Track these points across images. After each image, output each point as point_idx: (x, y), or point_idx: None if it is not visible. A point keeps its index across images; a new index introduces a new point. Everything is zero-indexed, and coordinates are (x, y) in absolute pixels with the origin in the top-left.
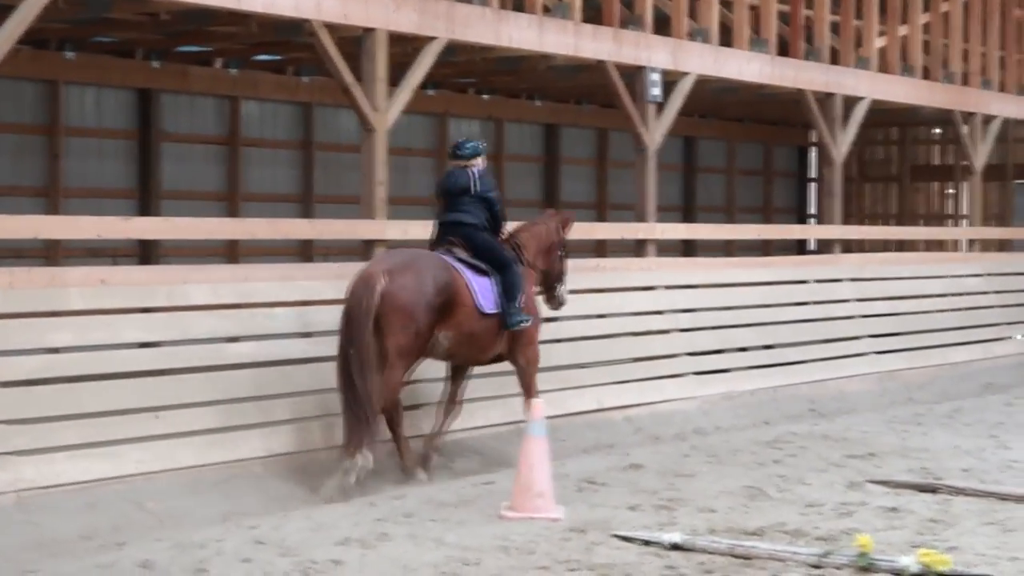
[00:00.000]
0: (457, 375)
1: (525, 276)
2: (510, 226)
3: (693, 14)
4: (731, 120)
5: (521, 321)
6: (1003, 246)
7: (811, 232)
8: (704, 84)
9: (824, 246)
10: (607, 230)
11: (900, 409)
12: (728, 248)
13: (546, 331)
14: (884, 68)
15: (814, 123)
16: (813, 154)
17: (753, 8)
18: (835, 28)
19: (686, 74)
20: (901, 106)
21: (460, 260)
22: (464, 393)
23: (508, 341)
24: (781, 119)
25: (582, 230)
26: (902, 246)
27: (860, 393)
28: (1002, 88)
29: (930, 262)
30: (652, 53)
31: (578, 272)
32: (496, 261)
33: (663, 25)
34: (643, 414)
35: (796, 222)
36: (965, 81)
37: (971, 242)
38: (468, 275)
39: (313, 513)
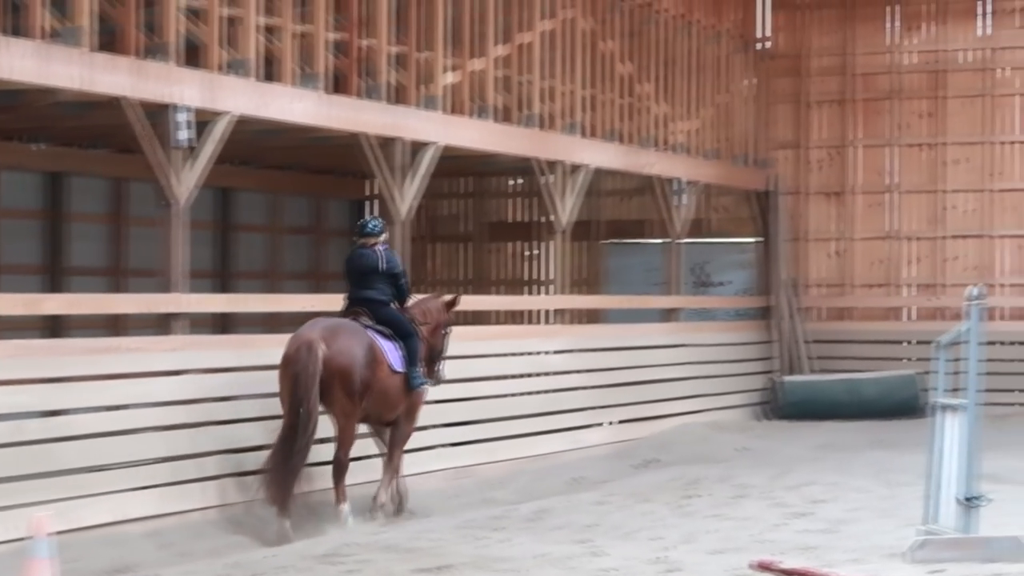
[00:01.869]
0: (379, 435)
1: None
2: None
3: (229, 42)
4: (276, 169)
5: (423, 382)
6: (592, 317)
7: None
8: (244, 126)
9: None
10: (126, 302)
11: (476, 511)
12: (271, 322)
13: (51, 428)
14: (455, 109)
15: (373, 172)
16: (372, 209)
17: (301, 36)
18: (399, 61)
19: (222, 114)
20: (475, 153)
21: (367, 326)
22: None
23: (403, 405)
24: (335, 168)
25: (93, 303)
26: (477, 318)
27: (431, 493)
28: (590, 133)
29: (509, 337)
30: (181, 88)
31: (89, 354)
32: (400, 330)
33: (194, 55)
34: (171, 526)
35: None
36: (548, 124)
37: (556, 312)
38: (378, 338)
39: None
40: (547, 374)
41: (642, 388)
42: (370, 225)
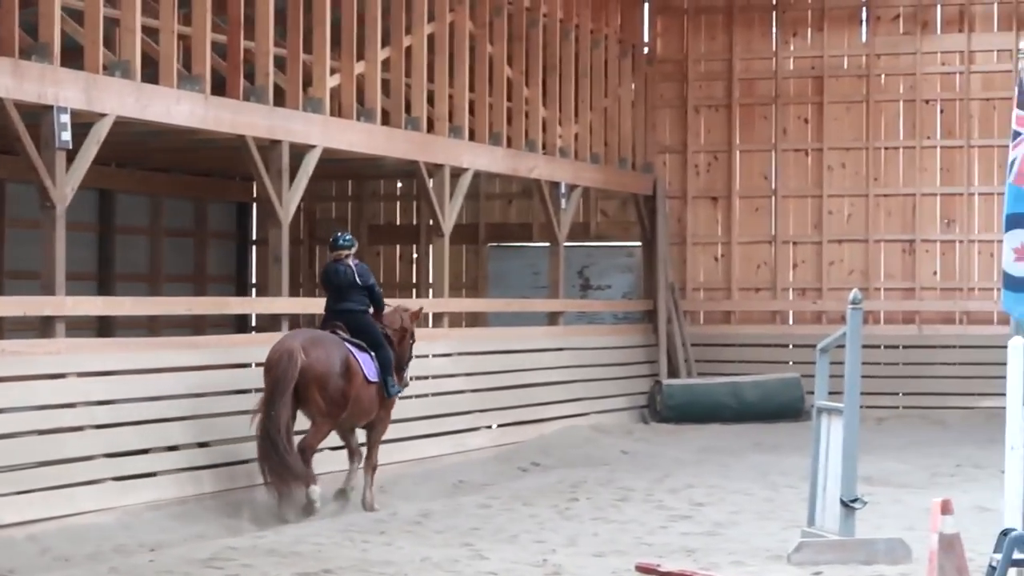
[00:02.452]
0: (345, 436)
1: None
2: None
3: (110, 43)
4: (158, 171)
5: (398, 390)
6: (475, 320)
7: (252, 305)
8: (125, 127)
9: (268, 322)
10: (5, 305)
11: (359, 515)
12: (154, 325)
13: None
14: (338, 111)
15: (256, 175)
16: (255, 212)
17: (183, 38)
18: (281, 63)
19: (103, 115)
20: (358, 156)
21: (344, 339)
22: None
23: (377, 412)
24: (218, 170)
25: None
26: None
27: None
28: (473, 136)
29: None
30: (61, 90)
31: None
32: (373, 341)
33: (75, 56)
34: (51, 530)
35: (235, 292)
36: (431, 128)
37: (438, 316)
38: (354, 351)
39: None
40: (429, 377)
41: (525, 391)
42: (342, 240)
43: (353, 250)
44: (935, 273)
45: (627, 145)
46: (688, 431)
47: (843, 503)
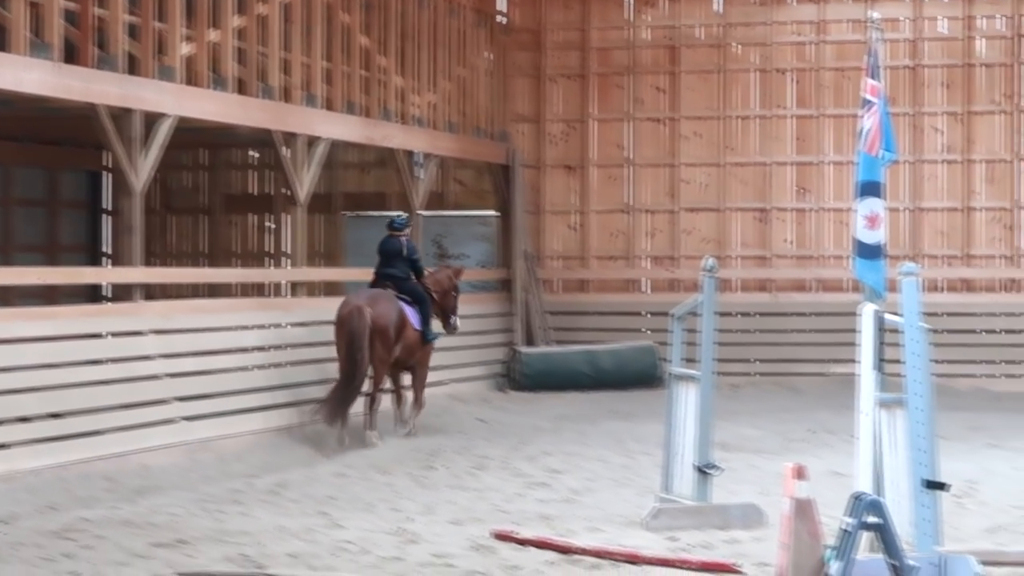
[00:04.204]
0: (394, 377)
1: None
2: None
3: None
4: (7, 140)
5: (435, 337)
6: (331, 289)
7: (105, 275)
8: None
9: (122, 292)
10: None
11: (215, 485)
12: (5, 296)
13: None
14: (192, 80)
15: (108, 144)
16: (108, 181)
17: (33, 5)
18: (133, 31)
19: None
20: (213, 125)
21: (396, 295)
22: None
23: (419, 354)
24: (69, 139)
25: None
26: (214, 290)
27: (167, 468)
28: (328, 105)
29: (247, 309)
30: None
31: None
32: (417, 298)
33: None
34: None
35: (87, 262)
36: (286, 97)
37: (294, 285)
38: (404, 305)
39: None
40: (286, 347)
41: None
42: (397, 221)
43: (406, 231)
44: (788, 241)
45: (483, 114)
46: (545, 399)
47: (698, 469)
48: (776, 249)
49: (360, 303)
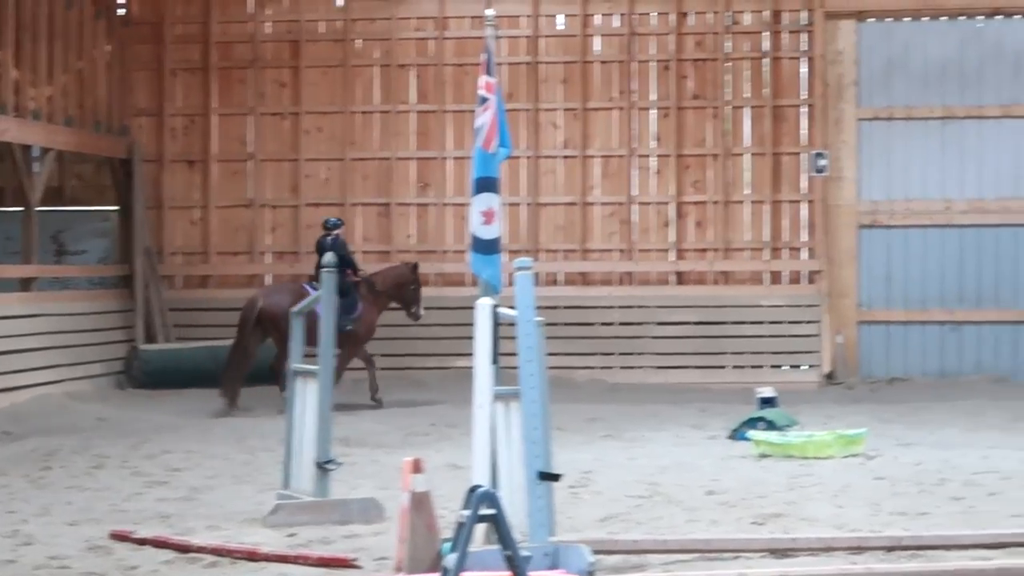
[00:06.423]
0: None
1: (370, 301)
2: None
3: None
4: None
5: (347, 327)
6: None
7: None
8: None
9: None
10: None
11: None
12: None
13: None
14: None
15: None
16: None
17: None
18: None
19: None
20: None
21: (309, 285)
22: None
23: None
24: None
25: None
26: None
27: None
28: None
29: None
30: None
31: None
32: (341, 290)
33: None
34: None
35: None
36: None
37: None
38: (312, 292)
39: None
40: None
41: None
42: (330, 221)
43: (339, 230)
44: (410, 236)
45: (102, 108)
46: (167, 396)
47: (318, 465)
48: (398, 244)
49: (255, 294)
